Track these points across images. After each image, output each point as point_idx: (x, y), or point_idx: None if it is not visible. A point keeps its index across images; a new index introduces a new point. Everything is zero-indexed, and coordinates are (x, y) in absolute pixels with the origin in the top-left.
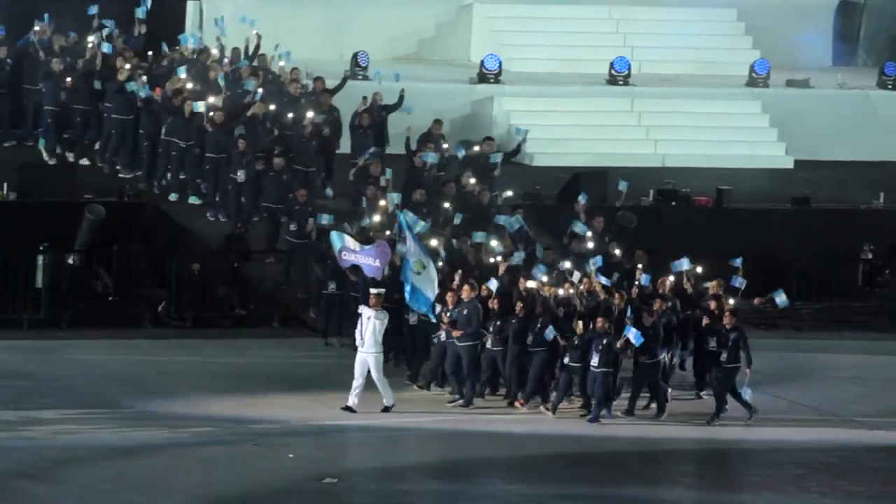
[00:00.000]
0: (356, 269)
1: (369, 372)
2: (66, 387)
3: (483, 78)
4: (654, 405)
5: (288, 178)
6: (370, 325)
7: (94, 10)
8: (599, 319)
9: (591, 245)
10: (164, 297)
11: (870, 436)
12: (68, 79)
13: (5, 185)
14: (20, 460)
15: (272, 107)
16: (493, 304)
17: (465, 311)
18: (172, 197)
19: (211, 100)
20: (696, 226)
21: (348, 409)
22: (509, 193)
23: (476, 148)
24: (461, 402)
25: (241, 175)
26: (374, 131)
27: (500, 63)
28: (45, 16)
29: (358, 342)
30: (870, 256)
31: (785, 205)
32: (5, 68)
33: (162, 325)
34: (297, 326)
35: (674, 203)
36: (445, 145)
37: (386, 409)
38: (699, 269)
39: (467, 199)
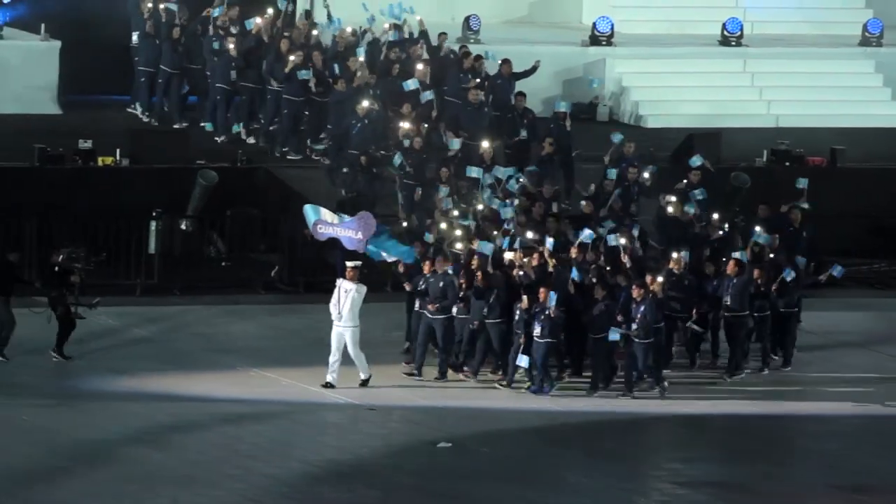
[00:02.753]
0: (333, 243)
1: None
2: (180, 352)
3: (595, 40)
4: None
5: None
6: (349, 298)
7: None
8: (542, 290)
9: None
10: (276, 262)
11: None
12: (231, 47)
13: (118, 151)
14: (135, 426)
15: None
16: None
17: (440, 284)
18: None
19: (407, 126)
20: (810, 186)
21: (328, 385)
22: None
23: (685, 180)
24: (417, 374)
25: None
26: (559, 157)
27: (613, 25)
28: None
29: (334, 316)
30: None
31: None
32: (178, 49)
33: (274, 290)
34: None
35: (787, 163)
36: (646, 174)
37: (363, 384)
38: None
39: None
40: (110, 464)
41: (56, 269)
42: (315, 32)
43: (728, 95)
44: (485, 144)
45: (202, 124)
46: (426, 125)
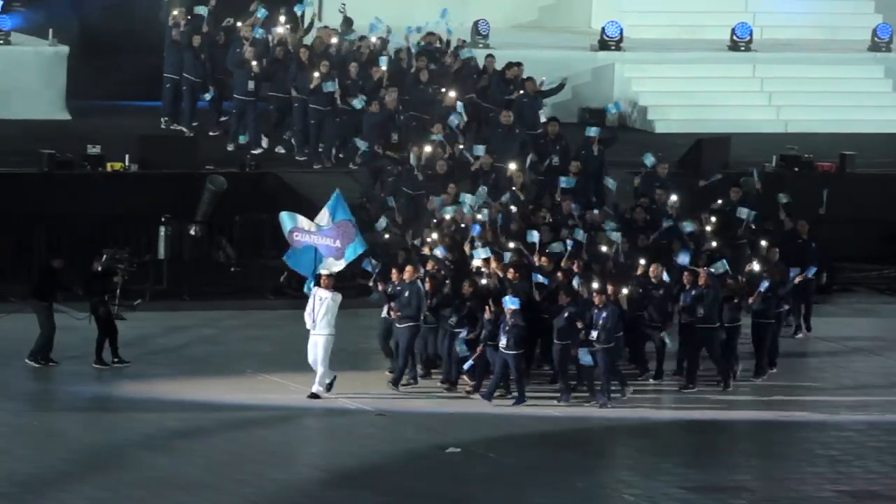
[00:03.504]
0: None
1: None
2: (188, 357)
3: (604, 45)
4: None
5: None
6: (323, 306)
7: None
8: (502, 301)
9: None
10: (285, 267)
11: None
12: (254, 63)
13: (127, 156)
14: (143, 432)
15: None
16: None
17: (406, 293)
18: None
19: (427, 148)
20: (819, 191)
21: (314, 396)
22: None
23: (720, 200)
24: (401, 381)
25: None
26: (583, 179)
27: (621, 30)
28: (260, 7)
29: (309, 325)
30: None
31: None
32: (200, 56)
33: (283, 296)
34: None
35: (797, 169)
36: (673, 197)
37: (313, 396)
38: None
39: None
40: (119, 469)
41: (99, 269)
42: (334, 41)
43: (737, 101)
44: (512, 167)
45: (239, 136)
46: (461, 146)
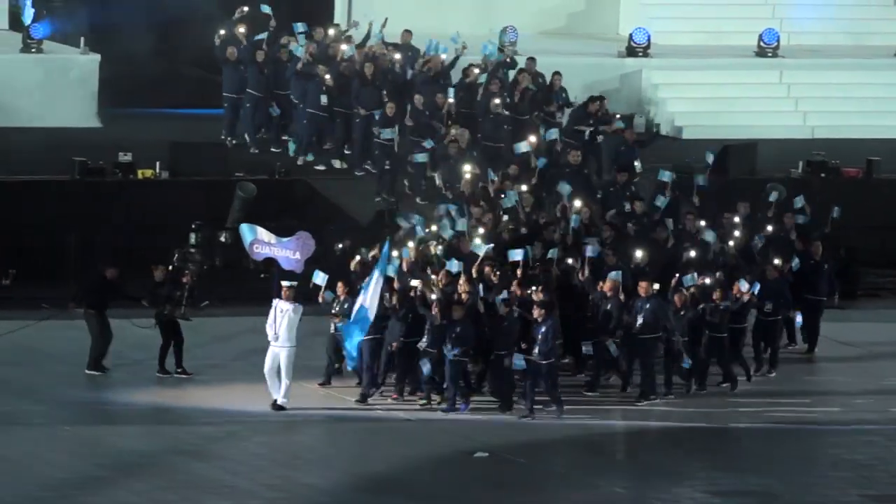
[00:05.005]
0: (270, 262)
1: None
2: (219, 363)
3: (631, 51)
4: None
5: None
6: (285, 318)
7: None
8: (455, 308)
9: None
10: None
11: None
12: (327, 77)
13: (157, 163)
14: (174, 436)
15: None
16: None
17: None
18: None
19: (467, 175)
20: (846, 197)
21: (278, 406)
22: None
23: (769, 227)
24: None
25: None
26: None
27: (649, 36)
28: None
29: (270, 336)
30: None
31: None
32: (264, 71)
33: (313, 302)
34: None
35: (823, 175)
36: (736, 219)
37: (275, 406)
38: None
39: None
40: (151, 474)
41: (164, 276)
42: (398, 56)
43: (764, 107)
44: (577, 204)
45: (287, 142)
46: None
